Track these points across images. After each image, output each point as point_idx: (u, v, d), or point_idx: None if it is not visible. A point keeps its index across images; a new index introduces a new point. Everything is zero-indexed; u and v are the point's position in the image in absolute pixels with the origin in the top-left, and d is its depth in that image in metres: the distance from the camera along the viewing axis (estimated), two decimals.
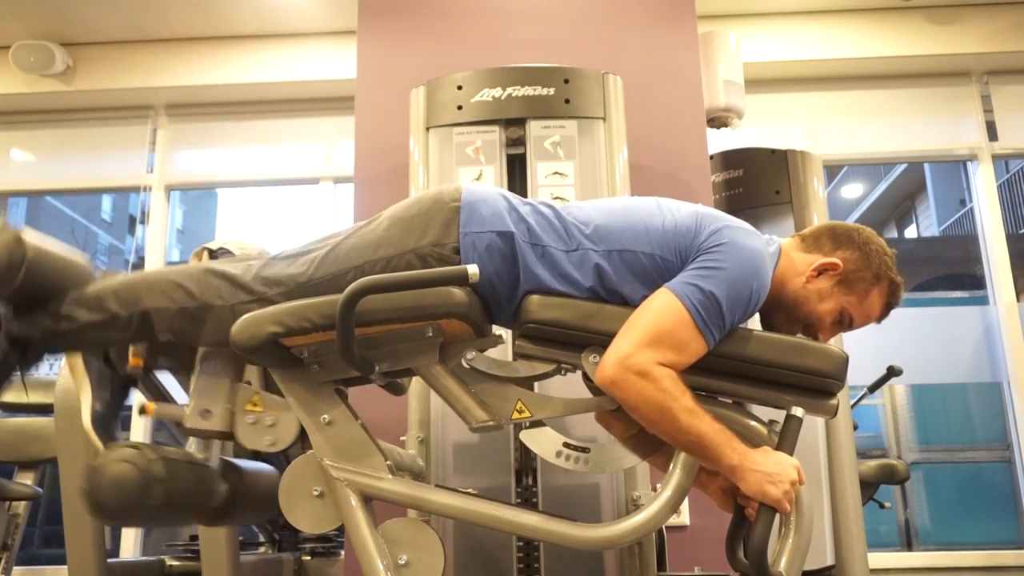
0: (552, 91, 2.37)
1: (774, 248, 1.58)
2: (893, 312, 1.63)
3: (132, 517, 1.46)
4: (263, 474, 1.83)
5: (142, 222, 4.63)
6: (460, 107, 2.39)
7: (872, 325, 1.63)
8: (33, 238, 1.55)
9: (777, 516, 1.39)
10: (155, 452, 1.46)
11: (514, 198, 1.58)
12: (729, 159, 3.39)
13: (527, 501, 2.08)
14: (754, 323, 1.56)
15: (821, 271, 1.56)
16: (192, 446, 1.77)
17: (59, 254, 1.62)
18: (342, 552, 2.95)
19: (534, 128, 2.36)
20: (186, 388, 1.77)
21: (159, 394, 1.94)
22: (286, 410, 1.52)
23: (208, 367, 1.59)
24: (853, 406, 3.39)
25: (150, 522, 1.69)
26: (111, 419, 1.66)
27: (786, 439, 1.41)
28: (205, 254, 2.74)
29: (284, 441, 1.55)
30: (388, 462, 1.49)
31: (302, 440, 1.55)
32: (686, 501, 1.66)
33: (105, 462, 1.43)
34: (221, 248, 2.74)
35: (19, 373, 1.59)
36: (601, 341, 1.45)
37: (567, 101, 2.37)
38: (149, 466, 1.43)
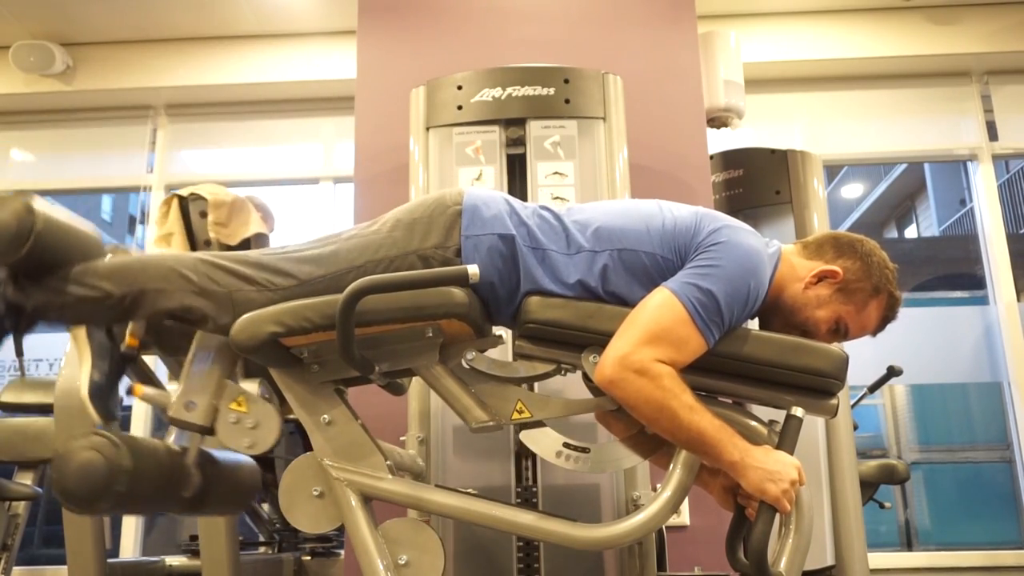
0: (552, 91, 2.37)
1: (773, 250, 1.58)
2: None
3: (99, 505, 1.43)
4: (241, 465, 1.82)
5: (142, 222, 4.63)
6: (460, 107, 2.39)
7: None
8: (44, 207, 1.54)
9: (777, 516, 1.39)
10: (124, 441, 1.43)
11: (516, 202, 1.59)
12: (729, 159, 3.39)
13: (527, 501, 2.08)
14: (752, 327, 1.56)
15: (821, 278, 1.56)
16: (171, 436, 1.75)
17: (70, 226, 1.61)
18: (342, 552, 2.95)
19: (534, 128, 2.36)
20: (176, 375, 1.75)
21: (147, 379, 1.92)
22: (269, 415, 1.51)
23: (201, 358, 1.57)
24: (853, 406, 3.38)
25: (120, 510, 1.67)
26: (109, 393, 1.64)
27: (786, 439, 1.42)
28: (175, 201, 2.69)
29: (263, 445, 1.53)
30: (388, 462, 1.49)
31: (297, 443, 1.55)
32: (686, 501, 1.66)
33: (73, 448, 1.40)
34: (192, 194, 2.69)
35: (12, 338, 1.58)
36: (601, 341, 1.45)
37: (567, 101, 2.37)
38: (116, 455, 1.40)
